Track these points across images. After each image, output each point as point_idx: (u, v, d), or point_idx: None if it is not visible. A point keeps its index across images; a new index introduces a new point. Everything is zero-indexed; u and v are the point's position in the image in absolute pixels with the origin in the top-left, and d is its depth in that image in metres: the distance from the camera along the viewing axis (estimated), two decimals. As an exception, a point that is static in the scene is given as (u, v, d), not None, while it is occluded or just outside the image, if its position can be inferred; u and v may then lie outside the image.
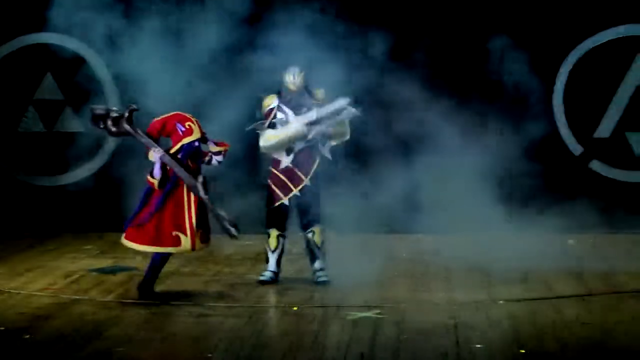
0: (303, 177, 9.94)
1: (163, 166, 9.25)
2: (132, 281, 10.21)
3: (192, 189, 9.31)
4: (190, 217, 9.35)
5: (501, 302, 9.26)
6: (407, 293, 9.68)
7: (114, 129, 9.44)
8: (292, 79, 9.95)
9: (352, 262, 10.96)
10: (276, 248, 10.09)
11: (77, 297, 9.61)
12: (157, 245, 9.40)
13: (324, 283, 10.00)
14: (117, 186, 12.50)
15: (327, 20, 12.12)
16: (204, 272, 10.68)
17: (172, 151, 9.35)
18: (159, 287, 9.90)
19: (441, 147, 12.16)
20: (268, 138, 9.96)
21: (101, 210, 12.64)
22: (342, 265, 10.74)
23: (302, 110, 9.95)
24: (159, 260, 9.52)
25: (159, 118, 9.51)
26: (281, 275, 10.21)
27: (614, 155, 12.60)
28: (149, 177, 9.31)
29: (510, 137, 12.44)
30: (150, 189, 9.37)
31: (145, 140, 9.30)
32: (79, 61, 12.92)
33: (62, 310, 9.17)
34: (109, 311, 9.06)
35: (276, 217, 10.09)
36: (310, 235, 10.10)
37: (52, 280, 10.27)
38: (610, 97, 12.54)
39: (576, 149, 12.63)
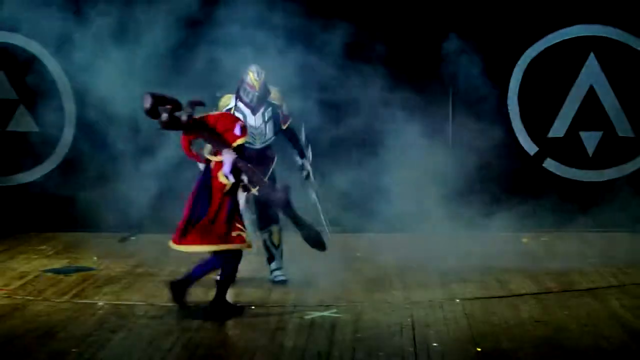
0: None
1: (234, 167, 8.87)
2: (86, 282, 10.16)
3: (261, 189, 9.04)
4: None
5: (457, 300, 9.29)
6: (363, 292, 9.69)
7: (169, 122, 8.78)
8: (256, 77, 9.91)
9: (308, 261, 10.96)
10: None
11: (31, 297, 9.53)
12: (227, 243, 8.93)
13: (281, 282, 10.00)
14: (71, 186, 12.43)
15: (280, 14, 12.08)
16: (159, 272, 10.61)
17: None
18: (111, 287, 9.87)
19: (395, 146, 12.19)
20: None
21: (55, 211, 12.53)
22: (298, 265, 10.75)
23: (261, 110, 9.93)
24: (231, 265, 9.04)
25: (206, 115, 9.20)
26: (237, 275, 10.20)
27: (568, 155, 12.68)
28: (220, 179, 8.90)
29: (466, 137, 12.47)
30: (204, 191, 8.97)
31: (216, 141, 8.90)
32: (32, 60, 12.79)
33: (16, 311, 9.09)
34: (64, 312, 8.99)
35: None
36: (267, 235, 10.09)
37: (5, 281, 10.16)
38: (564, 96, 12.61)
39: (531, 148, 12.70)
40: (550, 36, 12.67)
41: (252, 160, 9.49)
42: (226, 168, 8.77)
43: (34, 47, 12.75)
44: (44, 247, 11.93)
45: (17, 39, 12.74)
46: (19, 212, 12.80)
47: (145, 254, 11.57)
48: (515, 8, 12.60)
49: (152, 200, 12.26)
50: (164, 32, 11.98)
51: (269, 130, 9.95)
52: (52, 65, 12.76)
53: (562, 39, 12.67)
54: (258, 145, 9.95)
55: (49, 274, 10.50)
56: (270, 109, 9.96)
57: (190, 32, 12.23)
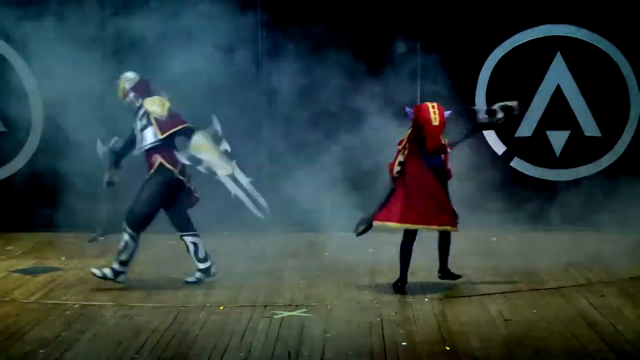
0: None
1: None
2: (54, 282, 10.11)
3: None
4: None
5: (426, 299, 9.33)
6: (332, 291, 9.71)
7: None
8: (120, 84, 10.04)
9: (276, 260, 10.98)
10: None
11: (-1, 298, 9.51)
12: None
13: (192, 283, 9.98)
14: (39, 186, 12.35)
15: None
16: (128, 272, 10.55)
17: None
18: (79, 288, 9.83)
19: (363, 145, 12.21)
20: None
21: (23, 210, 12.45)
22: (265, 264, 10.76)
23: (137, 117, 9.93)
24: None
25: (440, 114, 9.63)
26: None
27: (536, 154, 12.74)
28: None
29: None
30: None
31: None
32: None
33: (-17, 312, 9.07)
34: (32, 312, 8.96)
35: None
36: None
37: (-28, 282, 10.13)
38: (531, 96, 12.66)
39: (499, 147, 12.75)
40: (517, 36, 12.73)
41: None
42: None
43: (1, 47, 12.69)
44: (11, 247, 11.86)
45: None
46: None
47: (114, 254, 11.51)
48: (482, 7, 12.64)
49: (120, 200, 12.20)
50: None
51: (144, 138, 9.89)
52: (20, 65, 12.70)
53: (529, 39, 12.72)
54: (136, 152, 10.02)
55: (17, 275, 10.45)
56: (145, 116, 9.90)
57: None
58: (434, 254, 11.10)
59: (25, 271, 10.62)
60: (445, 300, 9.30)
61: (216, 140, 10.03)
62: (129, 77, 10.07)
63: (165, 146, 9.86)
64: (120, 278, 9.89)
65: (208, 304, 9.17)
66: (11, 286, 9.96)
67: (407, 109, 9.72)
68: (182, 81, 11.74)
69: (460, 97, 12.63)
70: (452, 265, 10.49)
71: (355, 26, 12.61)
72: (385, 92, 12.31)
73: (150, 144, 9.84)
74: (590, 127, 12.64)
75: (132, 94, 9.95)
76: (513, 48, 12.75)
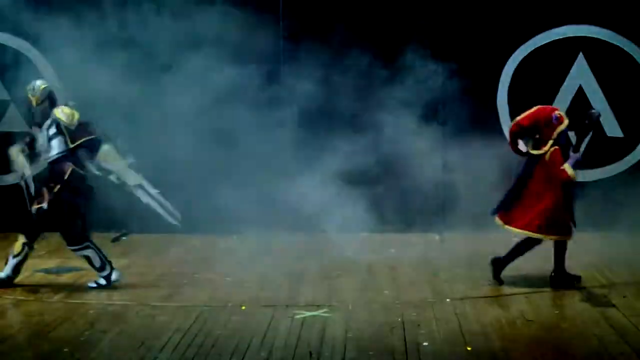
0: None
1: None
2: (77, 281, 10.14)
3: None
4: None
5: (447, 300, 9.30)
6: (353, 291, 9.69)
7: None
8: (33, 92, 9.94)
9: (297, 260, 10.97)
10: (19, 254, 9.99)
11: (23, 297, 9.53)
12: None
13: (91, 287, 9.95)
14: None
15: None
16: (151, 272, 10.61)
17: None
18: (103, 287, 9.84)
19: (381, 148, 12.22)
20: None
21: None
22: (286, 264, 10.76)
23: (45, 126, 9.88)
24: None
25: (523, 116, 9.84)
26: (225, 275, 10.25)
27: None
28: (567, 173, 9.62)
29: (455, 136, 12.47)
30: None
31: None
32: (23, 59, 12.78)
33: (8, 311, 9.12)
34: (56, 311, 8.99)
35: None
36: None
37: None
38: (553, 97, 12.61)
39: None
40: (539, 36, 12.68)
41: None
42: (571, 162, 9.67)
43: (24, 46, 12.70)
44: (35, 247, 11.88)
45: (6, 39, 12.71)
46: (10, 211, 12.72)
47: (137, 254, 11.58)
48: (504, 8, 12.59)
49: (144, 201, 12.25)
50: None
51: (52, 147, 9.82)
52: (42, 64, 12.72)
53: (551, 40, 12.67)
54: (42, 160, 10.01)
55: (41, 274, 10.48)
56: (54, 125, 9.84)
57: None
58: (457, 255, 11.14)
59: (49, 271, 10.66)
60: (467, 300, 9.27)
61: (122, 152, 10.03)
62: (42, 85, 9.99)
63: (72, 156, 9.84)
64: (114, 278, 9.89)
65: (230, 304, 9.16)
66: (36, 285, 9.98)
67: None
68: (201, 88, 11.80)
69: (481, 98, 12.62)
70: (475, 265, 10.49)
71: (375, 27, 12.57)
72: (407, 93, 12.28)
73: (58, 153, 9.79)
74: (612, 128, 12.58)
75: (46, 102, 9.92)
76: (535, 49, 12.70)
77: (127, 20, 12.41)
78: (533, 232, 9.69)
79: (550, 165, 9.66)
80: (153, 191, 10.11)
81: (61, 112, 9.84)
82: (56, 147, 9.81)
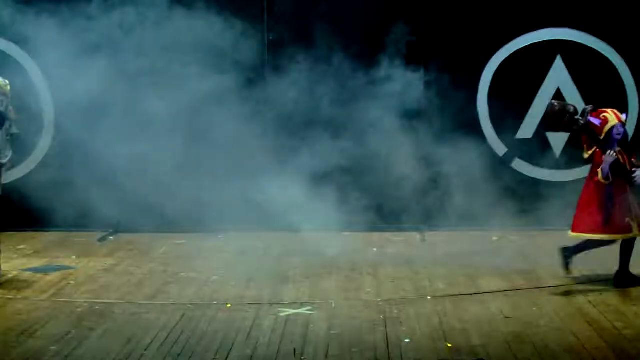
0: None
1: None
2: (65, 280, 10.13)
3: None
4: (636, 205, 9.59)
5: (428, 297, 9.32)
6: (336, 289, 9.70)
7: (574, 127, 9.73)
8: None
9: (280, 259, 10.98)
10: None
11: (11, 296, 9.50)
12: (608, 233, 9.55)
13: None
14: (50, 187, 12.34)
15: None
16: (137, 271, 10.60)
17: None
18: (90, 286, 9.85)
19: (364, 150, 12.25)
20: None
21: (34, 210, 12.45)
22: (270, 263, 10.78)
23: None
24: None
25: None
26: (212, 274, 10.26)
27: (536, 155, 12.74)
28: (601, 178, 9.48)
29: (437, 137, 12.51)
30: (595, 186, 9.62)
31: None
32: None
33: (-3, 310, 9.09)
34: (43, 310, 8.97)
35: None
36: None
37: (-15, 280, 10.14)
38: (532, 99, 12.66)
39: (500, 149, 12.76)
40: (518, 39, 12.72)
41: None
42: (606, 168, 9.45)
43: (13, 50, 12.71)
44: (23, 246, 11.88)
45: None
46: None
47: (124, 253, 11.57)
48: (484, 12, 12.63)
49: (129, 201, 12.24)
50: None
51: None
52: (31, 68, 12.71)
53: (530, 43, 12.72)
54: None
55: (29, 273, 10.45)
56: None
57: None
58: (437, 253, 11.17)
59: (37, 270, 10.63)
60: (447, 298, 9.28)
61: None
62: None
63: None
64: None
65: (215, 302, 9.18)
66: (23, 284, 9.96)
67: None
68: (192, 91, 11.82)
69: (462, 100, 12.66)
70: (455, 263, 10.53)
71: (357, 32, 12.60)
72: (390, 96, 12.32)
73: None
74: (589, 128, 12.63)
75: None
76: (514, 51, 12.73)
77: (116, 25, 12.41)
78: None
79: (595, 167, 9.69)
80: None
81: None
82: None
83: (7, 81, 10.18)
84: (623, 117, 9.74)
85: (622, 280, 9.63)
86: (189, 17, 12.07)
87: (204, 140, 11.98)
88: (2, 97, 9.97)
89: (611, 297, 9.20)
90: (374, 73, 12.36)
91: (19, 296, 9.50)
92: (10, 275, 10.23)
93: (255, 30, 12.60)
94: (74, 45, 11.89)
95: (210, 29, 12.04)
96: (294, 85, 12.25)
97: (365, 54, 12.47)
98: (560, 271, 10.00)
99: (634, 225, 9.54)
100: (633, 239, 9.62)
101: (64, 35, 11.91)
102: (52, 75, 12.52)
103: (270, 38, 12.73)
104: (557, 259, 10.31)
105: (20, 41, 12.48)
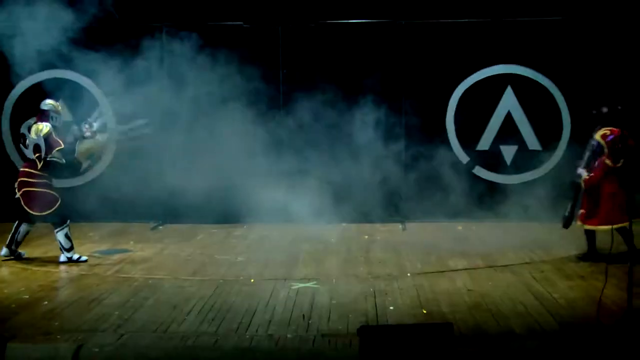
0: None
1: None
2: (125, 261, 10.11)
3: None
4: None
5: (408, 274, 9.30)
6: (336, 268, 9.67)
7: None
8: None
9: (293, 245, 10.95)
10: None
11: (84, 272, 9.50)
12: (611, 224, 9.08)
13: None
14: (114, 185, 12.28)
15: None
16: (181, 253, 10.58)
17: None
18: (144, 265, 9.83)
19: (354, 160, 12.20)
20: None
21: (102, 204, 12.39)
22: (285, 248, 10.75)
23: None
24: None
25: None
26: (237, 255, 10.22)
27: (492, 163, 12.70)
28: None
29: (414, 149, 12.48)
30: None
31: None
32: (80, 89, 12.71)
33: (73, 283, 9.08)
34: (108, 283, 8.97)
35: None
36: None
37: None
38: (488, 119, 12.62)
39: (464, 158, 12.72)
40: (478, 73, 12.67)
41: None
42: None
43: (83, 80, 12.67)
44: (92, 233, 11.87)
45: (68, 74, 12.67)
46: (74, 205, 12.66)
47: (170, 239, 11.56)
48: (450, 51, 12.60)
49: (175, 199, 12.23)
50: None
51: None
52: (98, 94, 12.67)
53: (486, 75, 12.67)
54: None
55: (97, 255, 10.44)
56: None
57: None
58: (415, 240, 11.12)
59: (102, 252, 10.61)
60: (423, 275, 9.25)
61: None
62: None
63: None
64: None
65: (241, 278, 9.15)
66: (93, 263, 9.94)
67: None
68: (219, 117, 11.80)
69: (434, 120, 12.63)
70: (430, 247, 10.48)
71: (353, 69, 12.56)
72: (378, 119, 12.30)
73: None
74: (533, 143, 12.59)
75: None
76: (474, 82, 12.69)
77: (159, 63, 12.41)
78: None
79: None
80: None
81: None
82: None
83: (59, 102, 10.14)
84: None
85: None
86: (221, 57, 12.05)
87: (231, 152, 11.91)
88: (56, 115, 9.91)
89: (551, 274, 9.17)
90: (365, 99, 12.31)
91: (90, 272, 9.49)
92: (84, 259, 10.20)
93: (272, 67, 12.58)
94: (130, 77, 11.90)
95: (238, 66, 12.04)
96: (304, 110, 12.21)
97: (358, 85, 12.42)
98: (510, 253, 9.98)
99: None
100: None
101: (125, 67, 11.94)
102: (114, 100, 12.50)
103: (285, 72, 12.69)
104: (508, 244, 10.29)
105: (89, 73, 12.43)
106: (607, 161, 9.48)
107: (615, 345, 6.58)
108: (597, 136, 9.58)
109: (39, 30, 10.12)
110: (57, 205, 9.68)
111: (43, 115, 9.82)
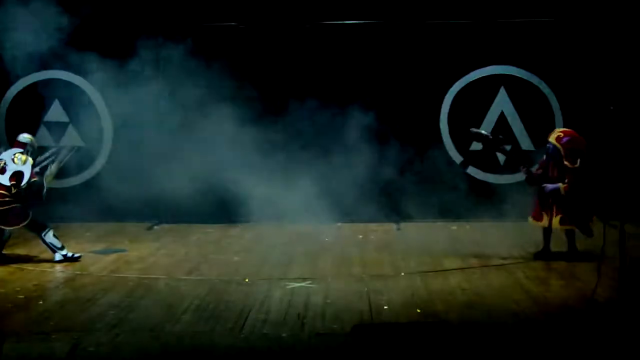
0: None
1: None
2: (120, 260, 10.10)
3: None
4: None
5: (402, 274, 9.29)
6: (331, 267, 9.66)
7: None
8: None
9: (287, 245, 10.94)
10: None
11: (79, 272, 9.48)
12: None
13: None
14: (109, 187, 12.28)
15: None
16: (176, 253, 10.57)
17: None
18: (139, 265, 9.81)
19: (347, 163, 12.21)
20: None
21: (98, 205, 12.40)
22: (280, 247, 10.74)
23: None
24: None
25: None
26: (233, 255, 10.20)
27: (485, 163, 12.72)
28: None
29: (405, 149, 12.49)
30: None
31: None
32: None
33: (68, 282, 9.08)
34: (103, 283, 8.95)
35: None
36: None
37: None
38: (482, 119, 12.63)
39: (457, 158, 12.73)
40: (471, 74, 12.70)
41: None
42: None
43: (79, 80, 12.66)
44: (88, 233, 11.85)
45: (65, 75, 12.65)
46: (70, 206, 12.63)
47: (166, 239, 11.55)
48: (446, 53, 12.62)
49: (170, 197, 12.22)
50: None
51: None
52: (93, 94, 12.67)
53: (480, 76, 12.70)
54: None
55: (92, 254, 10.42)
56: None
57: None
58: (409, 239, 11.12)
59: (98, 252, 10.59)
60: (417, 274, 9.24)
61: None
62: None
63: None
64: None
65: (236, 277, 9.13)
66: (88, 263, 9.93)
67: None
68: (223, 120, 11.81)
69: (429, 121, 12.65)
70: (424, 247, 10.48)
71: (354, 72, 12.56)
72: (371, 122, 12.27)
73: None
74: (526, 143, 12.62)
75: None
76: (468, 83, 12.71)
77: (154, 64, 12.41)
78: None
79: None
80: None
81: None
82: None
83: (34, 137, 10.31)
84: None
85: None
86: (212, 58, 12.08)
87: (227, 153, 11.90)
88: (31, 149, 10.05)
89: (542, 273, 9.19)
90: (359, 100, 12.33)
91: (85, 272, 9.48)
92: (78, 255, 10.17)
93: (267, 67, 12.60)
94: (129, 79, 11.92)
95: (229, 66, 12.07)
96: (299, 111, 12.21)
97: (353, 86, 12.43)
98: (504, 252, 10.00)
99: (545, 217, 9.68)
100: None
101: (122, 70, 11.94)
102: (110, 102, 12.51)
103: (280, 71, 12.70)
104: (502, 243, 10.31)
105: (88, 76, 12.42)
106: (566, 162, 9.51)
107: (606, 340, 6.58)
108: (552, 139, 9.65)
109: (37, 33, 10.17)
110: (30, 215, 9.78)
111: (21, 146, 10.02)
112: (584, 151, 9.53)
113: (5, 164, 9.82)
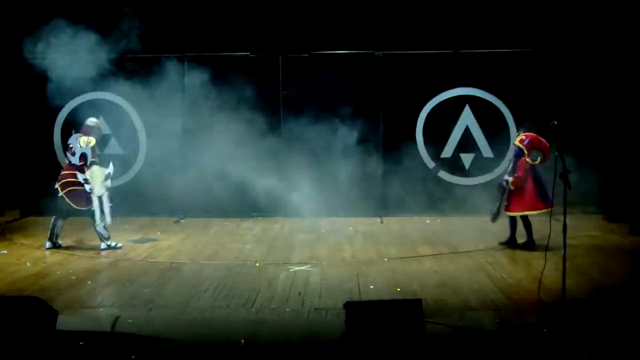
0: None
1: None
2: (153, 248, 10.10)
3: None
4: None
5: (385, 259, 9.33)
6: (326, 254, 9.69)
7: None
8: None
9: (291, 235, 10.95)
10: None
11: (119, 258, 9.50)
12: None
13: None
14: (144, 186, 12.26)
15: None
16: (199, 242, 10.58)
17: None
18: (169, 251, 9.83)
19: (344, 161, 12.20)
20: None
21: (134, 202, 12.38)
22: (284, 237, 10.74)
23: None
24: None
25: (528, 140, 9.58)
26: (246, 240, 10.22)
27: (454, 168, 12.73)
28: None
29: (391, 155, 12.50)
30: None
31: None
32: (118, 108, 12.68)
33: (110, 267, 9.08)
34: (140, 267, 8.98)
35: None
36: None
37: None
38: (450, 132, 12.66)
39: (430, 164, 12.76)
40: (441, 94, 12.70)
41: None
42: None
43: (119, 100, 12.66)
44: (126, 226, 11.85)
45: (108, 96, 12.65)
46: (113, 204, 12.60)
47: (190, 230, 11.56)
48: (419, 77, 12.63)
49: (195, 193, 12.22)
50: None
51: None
52: (131, 111, 12.67)
53: (449, 96, 12.71)
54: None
55: (130, 243, 10.43)
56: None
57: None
58: (391, 231, 11.12)
59: (135, 241, 10.61)
60: (397, 260, 9.28)
61: (105, 175, 9.76)
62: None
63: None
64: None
65: (248, 262, 9.16)
66: (127, 250, 9.94)
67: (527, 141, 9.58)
68: (225, 131, 11.78)
69: (406, 132, 12.66)
70: (403, 237, 10.51)
71: (342, 90, 12.55)
72: (360, 134, 12.28)
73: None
74: (487, 152, 12.64)
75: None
76: (439, 102, 12.72)
77: (180, 86, 12.41)
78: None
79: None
80: (108, 205, 9.76)
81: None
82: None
83: (99, 120, 10.16)
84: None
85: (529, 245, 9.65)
86: (228, 80, 12.09)
87: (240, 158, 11.89)
88: (98, 131, 9.93)
89: (502, 259, 9.21)
90: (350, 116, 12.32)
91: (124, 258, 9.50)
92: (119, 245, 10.20)
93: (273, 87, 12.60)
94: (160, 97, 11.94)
95: (242, 87, 12.06)
96: (300, 125, 12.21)
97: (344, 104, 12.42)
98: (468, 242, 10.01)
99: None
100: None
101: (153, 91, 11.94)
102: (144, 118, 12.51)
103: (284, 93, 12.71)
104: (467, 235, 10.31)
105: (127, 96, 12.42)
106: (527, 159, 9.55)
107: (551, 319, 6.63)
108: (516, 142, 9.72)
109: (82, 60, 10.20)
110: (94, 202, 9.68)
111: (88, 130, 9.85)
112: (544, 151, 9.54)
113: (74, 147, 9.73)
